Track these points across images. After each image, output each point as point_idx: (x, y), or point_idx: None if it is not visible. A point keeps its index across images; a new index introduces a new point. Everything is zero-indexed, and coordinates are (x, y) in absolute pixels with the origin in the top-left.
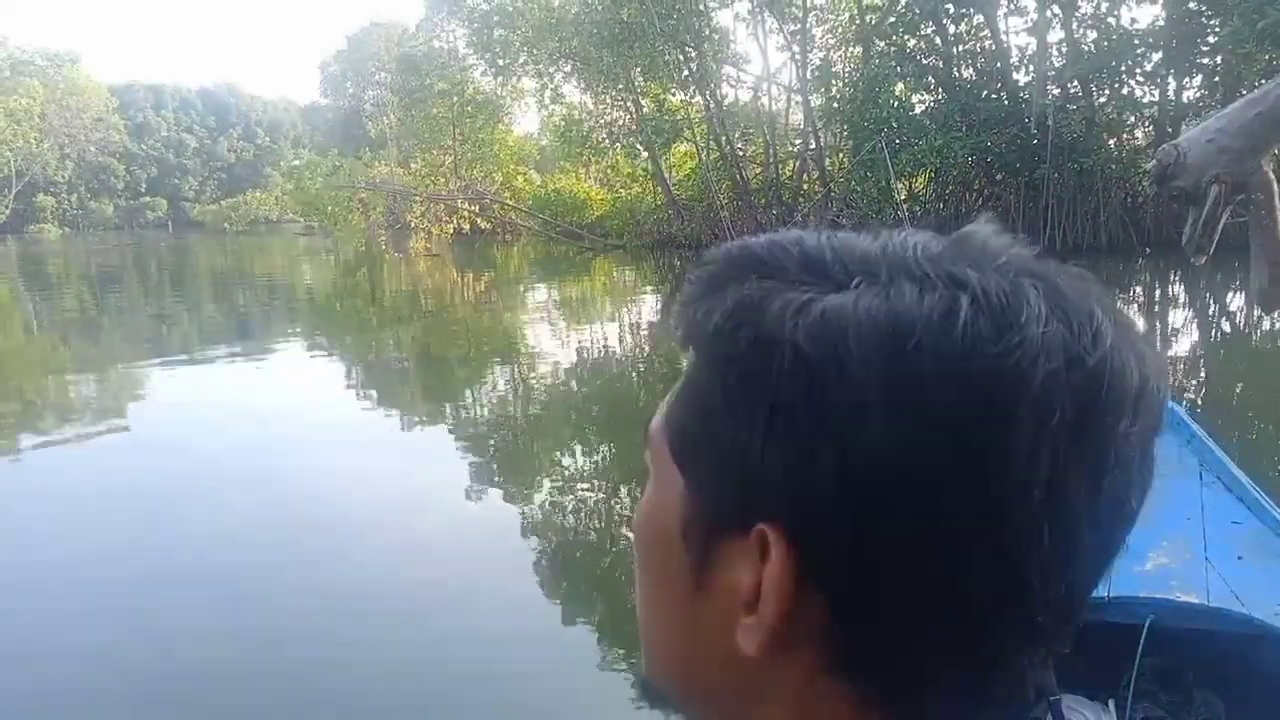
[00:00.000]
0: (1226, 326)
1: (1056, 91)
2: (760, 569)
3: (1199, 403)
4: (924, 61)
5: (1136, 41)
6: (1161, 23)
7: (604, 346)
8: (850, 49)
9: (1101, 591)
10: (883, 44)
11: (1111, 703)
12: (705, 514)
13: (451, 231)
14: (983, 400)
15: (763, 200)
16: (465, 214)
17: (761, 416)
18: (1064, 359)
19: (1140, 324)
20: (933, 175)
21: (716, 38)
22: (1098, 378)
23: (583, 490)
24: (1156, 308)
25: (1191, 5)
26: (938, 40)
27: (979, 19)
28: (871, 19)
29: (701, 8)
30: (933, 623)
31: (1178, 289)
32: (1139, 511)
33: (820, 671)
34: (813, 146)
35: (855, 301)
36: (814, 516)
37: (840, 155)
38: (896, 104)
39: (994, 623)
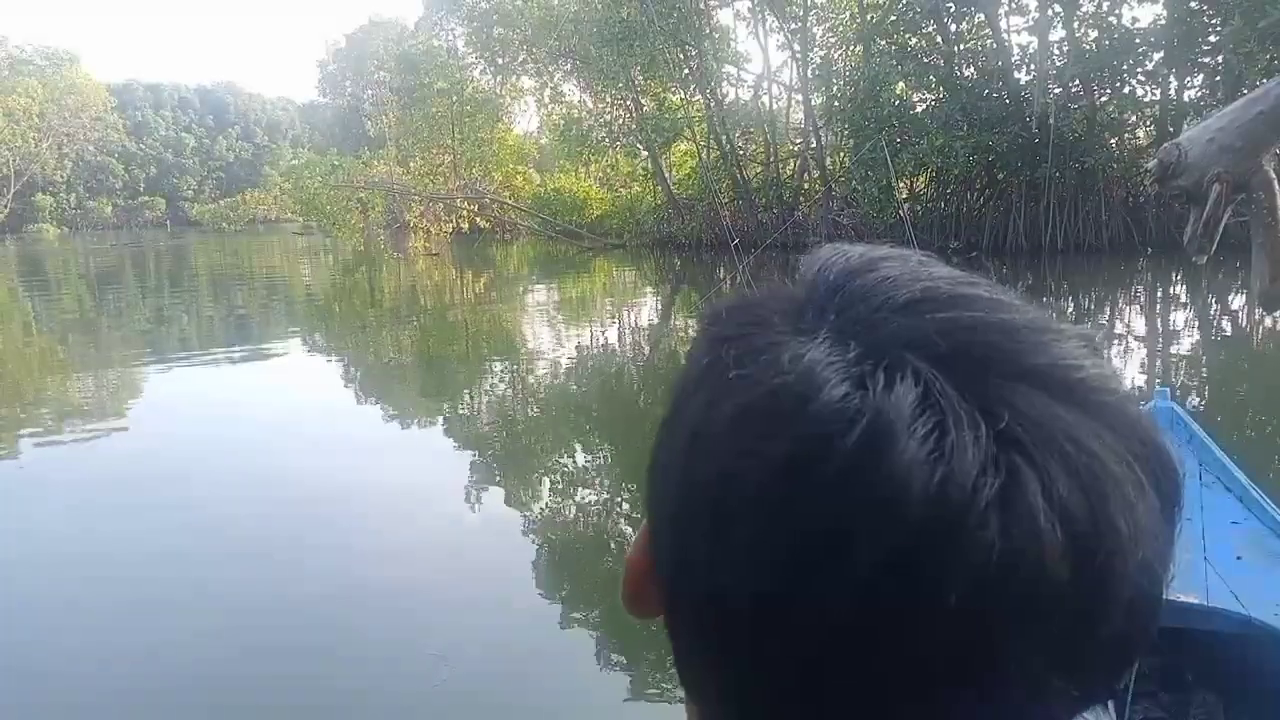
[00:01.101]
0: (1227, 326)
1: (1058, 90)
2: None
3: (1199, 403)
4: (925, 60)
5: (1138, 40)
6: (1163, 22)
7: (604, 346)
8: (851, 48)
9: None
10: (884, 43)
11: (1111, 703)
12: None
13: (450, 231)
14: (726, 471)
15: (763, 199)
16: (464, 213)
17: (665, 420)
18: (826, 467)
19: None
20: (934, 174)
21: (717, 36)
22: (866, 488)
23: (582, 489)
24: (1158, 307)
25: (1193, 4)
26: (939, 39)
27: (980, 18)
28: (872, 17)
29: (702, 6)
30: (700, 665)
31: (1179, 288)
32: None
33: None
34: (813, 145)
35: (767, 344)
36: (652, 521)
37: (841, 154)
38: (897, 103)
39: (760, 689)
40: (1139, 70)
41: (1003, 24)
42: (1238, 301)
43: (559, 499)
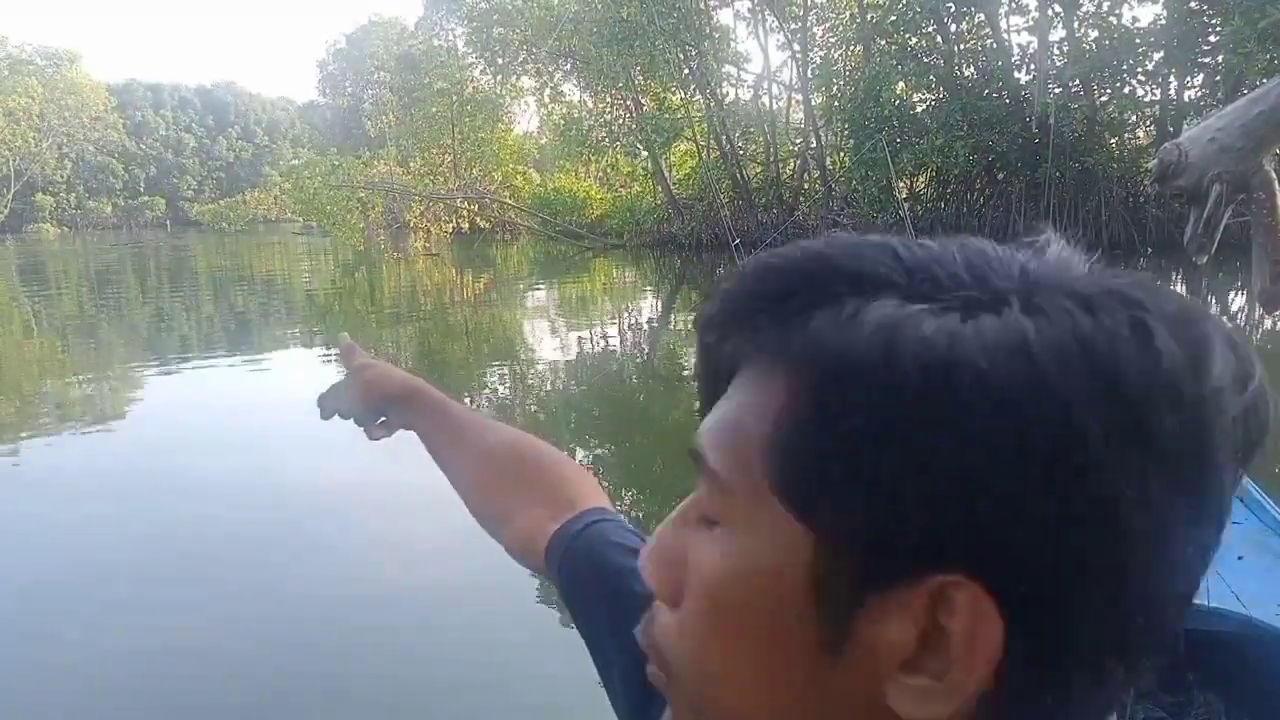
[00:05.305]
0: (1228, 326)
1: (1058, 90)
2: (923, 622)
3: None
4: (925, 60)
5: (1138, 40)
6: (1163, 22)
7: (604, 346)
8: (851, 47)
9: None
10: (884, 42)
11: None
12: (853, 567)
13: (450, 231)
14: (1197, 433)
15: (763, 199)
16: (464, 213)
17: (946, 455)
18: (1240, 390)
19: None
20: (934, 174)
21: (717, 36)
22: (1261, 405)
23: None
24: None
25: (1193, 4)
26: (939, 39)
27: (980, 17)
28: (872, 17)
29: (702, 6)
30: (1103, 660)
31: (1179, 288)
32: None
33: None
34: (813, 145)
35: (1016, 322)
36: (1023, 564)
37: (841, 154)
38: (897, 103)
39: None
40: (1139, 70)
41: (1003, 24)
42: (1238, 301)
43: None
